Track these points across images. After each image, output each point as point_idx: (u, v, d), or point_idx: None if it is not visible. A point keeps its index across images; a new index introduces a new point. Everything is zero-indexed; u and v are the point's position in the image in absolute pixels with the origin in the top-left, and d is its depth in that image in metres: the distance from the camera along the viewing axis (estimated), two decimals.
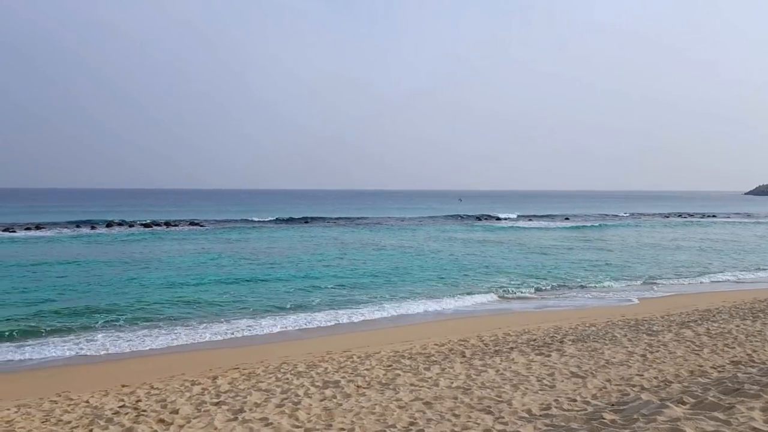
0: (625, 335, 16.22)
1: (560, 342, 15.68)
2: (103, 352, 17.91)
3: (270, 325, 21.43)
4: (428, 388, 11.27)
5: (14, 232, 56.48)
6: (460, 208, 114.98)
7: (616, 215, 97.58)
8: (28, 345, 18.27)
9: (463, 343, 16.05)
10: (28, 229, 59.17)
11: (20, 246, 45.07)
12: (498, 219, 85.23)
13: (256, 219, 75.75)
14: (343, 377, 12.43)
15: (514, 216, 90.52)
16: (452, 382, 11.63)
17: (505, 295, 26.74)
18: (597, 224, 74.03)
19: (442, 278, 31.06)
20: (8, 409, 11.15)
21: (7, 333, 19.20)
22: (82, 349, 18.20)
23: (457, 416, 9.40)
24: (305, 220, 75.91)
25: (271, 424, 9.20)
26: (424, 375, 12.37)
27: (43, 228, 60.04)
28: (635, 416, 7.38)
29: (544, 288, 28.54)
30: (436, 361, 13.81)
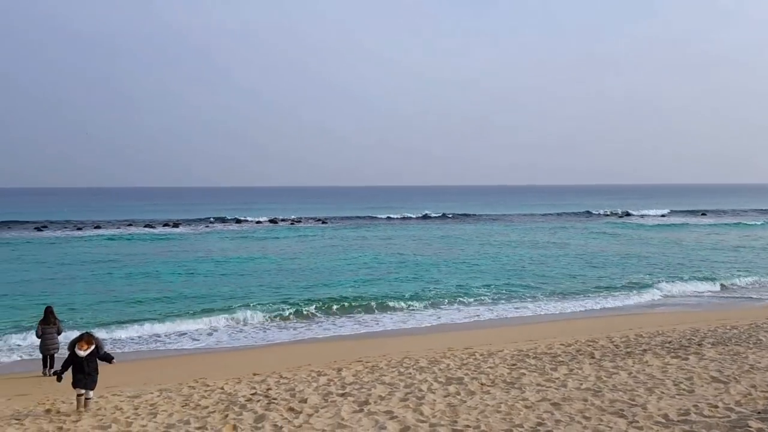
0: None
1: (698, 345, 14.74)
2: (235, 343, 18.86)
3: (392, 320, 21.72)
4: (556, 388, 10.95)
5: (154, 228, 60.71)
6: (588, 204, 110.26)
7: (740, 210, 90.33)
8: (173, 333, 19.57)
9: (591, 343, 15.47)
10: (166, 225, 63.42)
11: (184, 242, 48.36)
12: (641, 216, 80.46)
13: (396, 216, 76.03)
14: (466, 374, 12.33)
15: (664, 212, 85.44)
16: (581, 384, 11.23)
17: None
18: (759, 222, 67.82)
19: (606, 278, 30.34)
20: (152, 393, 11.95)
21: (165, 317, 20.65)
22: (218, 338, 19.27)
23: (587, 418, 9.06)
24: (463, 216, 76.58)
25: (396, 417, 9.27)
26: (550, 375, 12.03)
27: (180, 225, 64.06)
28: None
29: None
30: (563, 361, 13.39)
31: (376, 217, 74.95)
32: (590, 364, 13.01)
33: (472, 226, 64.58)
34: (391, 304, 23.71)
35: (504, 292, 26.34)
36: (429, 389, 11.07)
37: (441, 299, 24.77)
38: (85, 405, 10.73)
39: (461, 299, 24.76)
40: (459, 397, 10.52)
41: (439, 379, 11.91)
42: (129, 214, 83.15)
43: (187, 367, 15.81)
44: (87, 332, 11.56)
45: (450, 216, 77.50)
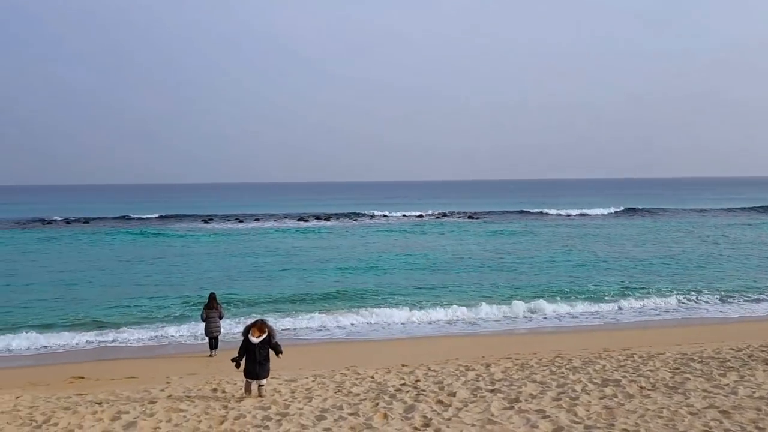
0: None
1: None
2: (389, 336, 19.26)
3: (545, 315, 21.19)
4: (725, 396, 10.10)
5: (308, 221, 63.47)
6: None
7: None
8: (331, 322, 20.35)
9: (766, 349, 14.13)
10: (318, 218, 66.17)
11: (354, 235, 50.44)
12: None
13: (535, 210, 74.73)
14: (624, 376, 11.70)
15: None
16: (754, 392, 10.28)
17: None
18: None
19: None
20: (306, 378, 12.47)
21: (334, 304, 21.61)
22: (369, 328, 19.77)
23: (761, 429, 8.28)
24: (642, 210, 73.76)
25: (549, 416, 8.98)
26: (719, 381, 11.12)
27: (331, 218, 66.48)
28: None
29: None
30: (732, 367, 12.34)
31: (527, 212, 73.34)
32: (764, 371, 11.89)
33: (651, 221, 60.88)
34: (543, 300, 23.11)
35: (669, 291, 24.68)
36: (583, 390, 10.63)
37: (601, 296, 23.86)
38: (260, 393, 10.90)
39: (622, 297, 23.62)
40: (616, 399, 10.00)
41: (594, 380, 11.40)
42: (273, 208, 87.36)
43: (337, 355, 16.37)
44: (261, 319, 11.61)
45: (639, 209, 74.11)
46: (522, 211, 73.89)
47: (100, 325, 19.86)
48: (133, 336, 18.76)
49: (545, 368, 12.67)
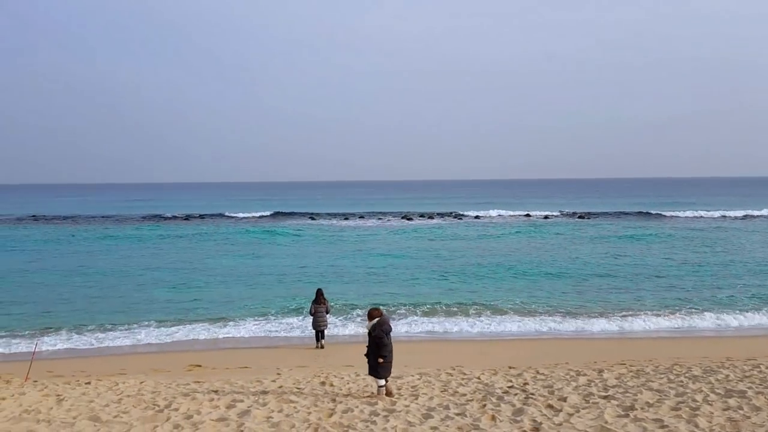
0: None
1: None
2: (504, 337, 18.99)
3: (662, 325, 20.14)
4: None
5: (411, 219, 63.80)
6: None
7: None
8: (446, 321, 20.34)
9: None
10: (422, 216, 66.48)
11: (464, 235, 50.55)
12: None
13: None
14: (750, 388, 10.91)
15: None
16: None
17: None
18: None
19: None
20: (412, 376, 12.49)
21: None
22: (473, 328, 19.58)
23: None
24: None
25: (667, 426, 8.50)
26: None
27: (434, 217, 66.59)
28: None
29: None
30: None
31: (647, 213, 69.95)
32: None
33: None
34: (661, 304, 22.02)
35: None
36: (705, 400, 10.00)
37: (722, 301, 22.54)
38: (389, 391, 10.49)
39: (748, 303, 22.17)
40: (741, 411, 9.33)
41: (717, 390, 10.70)
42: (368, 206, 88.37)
43: (442, 354, 16.32)
44: (375, 307, 11.12)
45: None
46: (642, 213, 69.21)
47: (216, 318, 20.81)
48: (246, 328, 19.55)
49: (662, 376, 12.05)
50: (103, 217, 69.63)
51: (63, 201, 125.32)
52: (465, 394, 10.49)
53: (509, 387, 11.14)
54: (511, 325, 19.78)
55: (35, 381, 12.61)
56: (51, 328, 19.39)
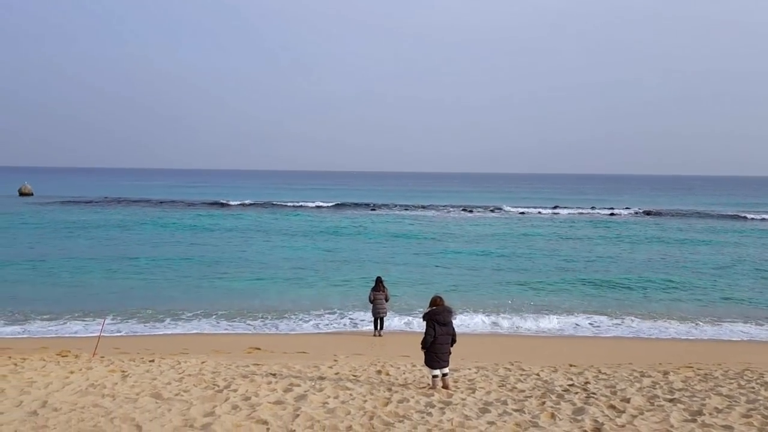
0: None
1: None
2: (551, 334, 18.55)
3: (733, 328, 19.24)
4: None
5: (471, 212, 63.24)
6: None
7: None
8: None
9: None
10: (486, 209, 65.81)
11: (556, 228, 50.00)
12: None
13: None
14: None
15: None
16: None
17: None
18: None
19: None
20: (469, 369, 12.27)
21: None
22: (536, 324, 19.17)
23: None
24: None
25: None
26: None
27: (499, 209, 65.75)
28: None
29: None
30: None
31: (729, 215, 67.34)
32: None
33: None
34: (730, 305, 21.08)
35: None
36: None
37: None
38: (444, 384, 10.22)
39: None
40: None
41: None
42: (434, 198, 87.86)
43: (500, 348, 16.02)
44: (438, 295, 10.57)
45: None
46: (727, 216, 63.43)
47: (276, 302, 21.07)
48: (306, 313, 19.69)
49: (732, 381, 11.46)
50: (162, 202, 71.80)
51: (149, 185, 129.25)
52: (524, 390, 10.22)
53: (570, 385, 10.80)
54: (575, 321, 19.28)
55: (102, 357, 12.98)
56: (121, 310, 20.01)
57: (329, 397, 9.33)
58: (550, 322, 19.10)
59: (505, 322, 19.12)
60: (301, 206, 68.84)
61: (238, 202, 71.33)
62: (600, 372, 12.21)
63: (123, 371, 11.15)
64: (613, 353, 15.29)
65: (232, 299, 21.53)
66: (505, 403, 9.23)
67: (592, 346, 16.64)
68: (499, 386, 10.62)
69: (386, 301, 17.41)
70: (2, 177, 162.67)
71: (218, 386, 9.91)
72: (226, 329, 17.96)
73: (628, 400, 9.50)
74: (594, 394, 10.05)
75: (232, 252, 33.31)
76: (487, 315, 19.73)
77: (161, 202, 70.24)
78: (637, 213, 65.26)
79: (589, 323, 19.24)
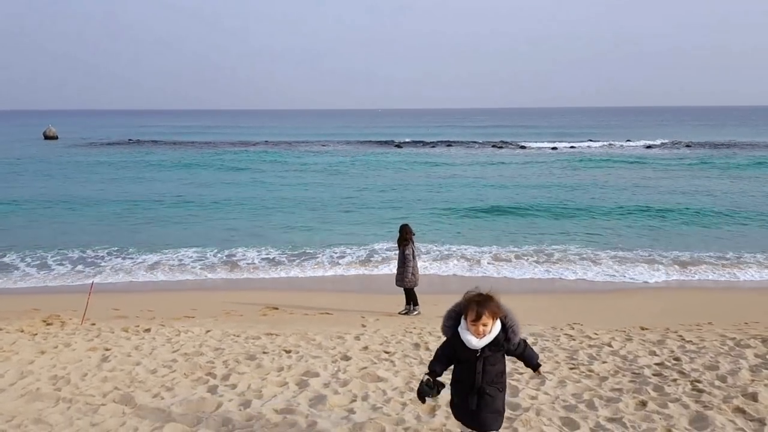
0: None
1: None
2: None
3: None
4: None
5: (501, 147, 60.01)
6: None
7: None
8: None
9: None
10: (511, 145, 62.43)
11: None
12: None
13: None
14: None
15: None
16: None
17: None
18: None
19: None
20: (525, 336, 9.70)
21: None
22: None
23: None
24: None
25: None
26: None
27: (525, 147, 62.39)
28: None
29: None
30: None
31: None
32: None
33: None
34: None
35: None
36: None
37: None
38: None
39: None
40: None
41: None
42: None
43: (557, 304, 13.52)
44: (485, 294, 4.53)
45: None
46: None
47: (299, 249, 18.71)
48: (336, 263, 17.23)
49: None
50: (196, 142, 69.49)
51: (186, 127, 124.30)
52: (606, 378, 7.55)
53: (657, 364, 8.15)
54: (635, 271, 16.38)
55: (93, 324, 10.68)
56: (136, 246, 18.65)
57: (356, 397, 6.79)
58: (609, 273, 16.27)
59: (561, 272, 16.38)
60: (327, 143, 66.15)
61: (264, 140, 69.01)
62: (684, 340, 9.52)
63: (106, 349, 8.76)
64: (684, 309, 12.67)
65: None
66: (592, 405, 6.58)
67: (656, 298, 14.03)
68: (570, 369, 8.00)
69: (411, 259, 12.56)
70: (25, 121, 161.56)
71: (214, 377, 7.46)
72: (241, 286, 15.56)
73: (755, 398, 6.77)
74: (699, 381, 7.36)
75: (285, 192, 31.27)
76: (539, 263, 17.08)
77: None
78: (669, 145, 61.33)
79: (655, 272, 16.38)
